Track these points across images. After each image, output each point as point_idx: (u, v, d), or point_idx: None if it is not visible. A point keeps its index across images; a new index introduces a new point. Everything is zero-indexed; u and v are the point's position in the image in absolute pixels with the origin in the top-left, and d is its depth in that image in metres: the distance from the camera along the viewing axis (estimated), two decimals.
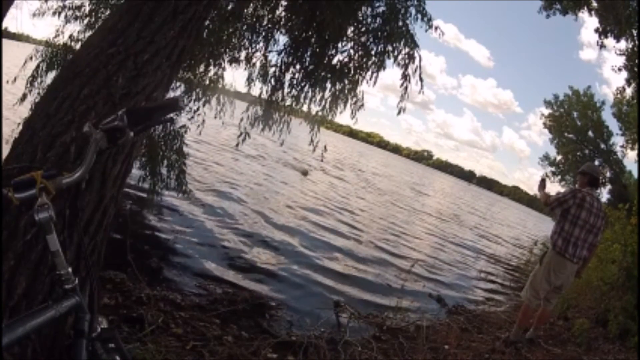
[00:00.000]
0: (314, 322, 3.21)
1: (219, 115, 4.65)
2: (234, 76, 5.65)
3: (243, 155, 11.39)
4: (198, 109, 4.46)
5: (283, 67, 4.12)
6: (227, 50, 4.16)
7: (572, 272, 3.43)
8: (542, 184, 3.76)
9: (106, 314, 2.19)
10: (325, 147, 4.45)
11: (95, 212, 1.52)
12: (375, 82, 3.84)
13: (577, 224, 3.34)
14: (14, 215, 1.33)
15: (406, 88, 3.67)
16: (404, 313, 3.81)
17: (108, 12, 4.00)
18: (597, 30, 7.19)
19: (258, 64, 4.32)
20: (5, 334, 0.80)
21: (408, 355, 2.95)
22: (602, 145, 16.74)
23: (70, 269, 0.95)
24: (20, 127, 1.65)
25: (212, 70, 4.29)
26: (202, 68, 4.21)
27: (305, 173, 12.65)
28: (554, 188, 18.02)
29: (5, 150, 1.57)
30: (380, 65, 3.79)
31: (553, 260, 3.42)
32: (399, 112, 3.79)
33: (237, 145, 4.43)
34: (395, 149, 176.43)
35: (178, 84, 4.22)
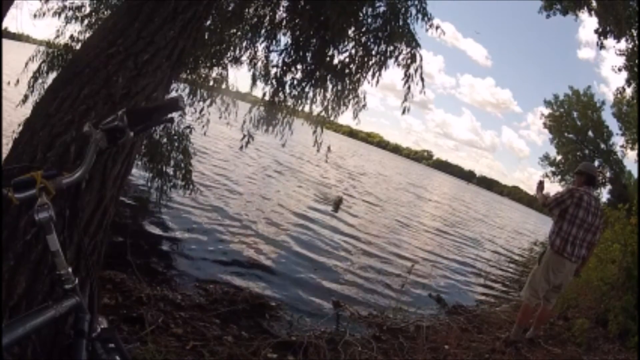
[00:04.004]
0: (314, 322, 3.21)
1: (224, 116, 4.67)
2: (236, 77, 5.66)
3: (248, 158, 11.38)
4: (202, 109, 4.48)
5: (285, 68, 4.12)
6: (229, 50, 4.17)
7: (571, 271, 3.43)
8: (541, 186, 3.77)
9: (106, 314, 2.18)
10: (329, 147, 4.46)
11: (95, 212, 1.52)
12: (377, 82, 3.85)
13: (575, 223, 3.35)
14: (14, 215, 1.33)
15: (409, 88, 3.68)
16: (404, 313, 3.81)
17: (108, 12, 4.01)
18: (597, 31, 7.19)
19: (260, 65, 4.33)
20: (5, 334, 0.80)
21: (408, 355, 2.95)
22: (602, 145, 16.73)
23: (70, 269, 0.95)
24: (21, 127, 1.65)
25: (215, 71, 4.31)
26: (205, 69, 4.23)
27: (338, 204, 9.02)
28: (554, 188, 18.04)
29: (5, 150, 1.57)
30: (382, 65, 3.80)
31: (551, 259, 3.42)
32: (403, 112, 3.81)
33: (241, 148, 4.44)
34: (395, 149, 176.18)
35: (183, 85, 4.24)
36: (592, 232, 3.40)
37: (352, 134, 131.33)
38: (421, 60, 3.68)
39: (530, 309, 3.59)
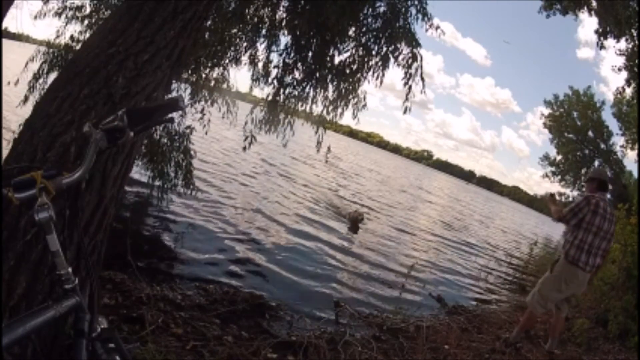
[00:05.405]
0: (314, 322, 3.21)
1: (227, 116, 4.69)
2: (235, 77, 5.66)
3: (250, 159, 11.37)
4: (203, 109, 4.49)
5: (285, 68, 4.13)
6: (230, 50, 4.18)
7: (584, 281, 3.37)
8: (553, 199, 3.70)
9: (106, 314, 2.19)
10: (329, 148, 4.46)
11: (95, 212, 1.53)
12: (381, 82, 3.85)
13: (591, 231, 3.29)
14: (14, 215, 1.33)
15: (410, 88, 3.68)
16: (404, 313, 3.81)
17: (108, 12, 4.01)
18: (597, 31, 7.19)
19: (260, 65, 4.34)
20: (5, 334, 0.80)
21: (408, 355, 2.95)
22: (602, 145, 16.74)
23: (70, 269, 0.95)
24: (21, 127, 1.65)
25: (216, 71, 4.32)
26: (206, 69, 4.23)
27: (357, 221, 7.56)
28: (554, 188, 18.01)
29: (5, 150, 1.57)
30: (384, 65, 3.80)
31: (565, 270, 3.36)
32: (404, 112, 3.81)
33: (245, 148, 4.45)
34: (395, 149, 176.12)
35: (184, 85, 4.25)
36: (607, 240, 3.35)
37: (352, 134, 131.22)
38: (421, 60, 3.69)
39: (535, 315, 3.56)
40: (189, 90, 4.43)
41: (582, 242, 3.30)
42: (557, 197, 3.69)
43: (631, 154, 15.16)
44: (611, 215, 3.38)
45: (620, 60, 8.59)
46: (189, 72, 4.08)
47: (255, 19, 4.10)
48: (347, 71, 3.93)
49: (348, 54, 3.93)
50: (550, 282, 3.43)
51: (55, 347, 1.39)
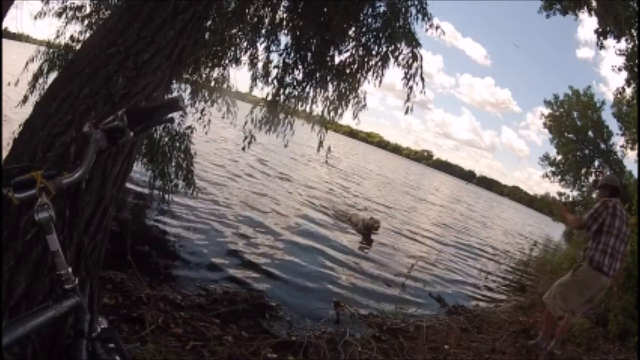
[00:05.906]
0: (314, 322, 3.21)
1: (227, 116, 4.70)
2: (235, 77, 5.66)
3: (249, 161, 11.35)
4: (203, 109, 4.49)
5: (285, 68, 4.12)
6: (230, 51, 4.18)
7: (605, 285, 3.41)
8: (567, 208, 3.72)
9: (106, 314, 2.18)
10: (329, 148, 4.47)
11: (95, 212, 1.53)
12: (380, 82, 3.85)
13: (612, 234, 3.34)
14: (14, 215, 1.33)
15: (411, 88, 3.68)
16: (404, 313, 3.81)
17: (108, 12, 4.02)
18: (596, 31, 7.18)
19: (260, 65, 4.34)
20: (5, 334, 0.80)
21: (408, 355, 2.95)
22: (602, 145, 16.72)
23: (70, 269, 0.95)
24: (21, 127, 1.65)
25: (216, 71, 4.32)
26: (206, 69, 4.24)
27: (372, 228, 7.15)
28: (554, 188, 18.01)
29: (5, 150, 1.57)
30: (384, 65, 3.80)
31: (588, 276, 3.39)
32: (406, 112, 3.81)
33: (244, 148, 4.46)
34: (395, 149, 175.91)
35: (184, 86, 4.26)
36: (625, 242, 3.41)
37: (352, 134, 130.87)
38: (421, 59, 3.68)
39: (554, 317, 3.58)
40: (189, 90, 4.43)
41: (605, 246, 3.34)
42: (558, 197, 3.74)
43: (631, 154, 15.14)
44: (626, 217, 3.44)
45: (620, 60, 8.58)
46: (189, 72, 4.08)
47: (255, 19, 4.10)
48: (347, 71, 3.93)
49: (348, 54, 3.93)
50: (572, 286, 3.46)
51: (55, 347, 1.39)
